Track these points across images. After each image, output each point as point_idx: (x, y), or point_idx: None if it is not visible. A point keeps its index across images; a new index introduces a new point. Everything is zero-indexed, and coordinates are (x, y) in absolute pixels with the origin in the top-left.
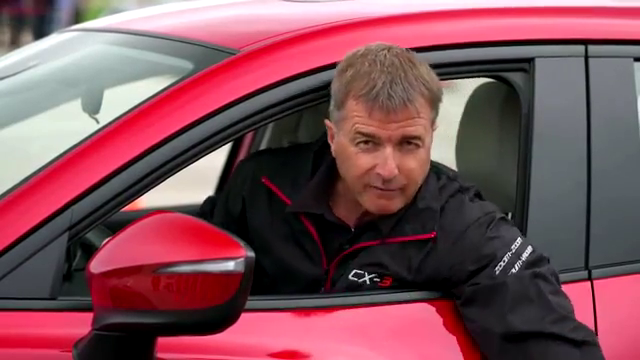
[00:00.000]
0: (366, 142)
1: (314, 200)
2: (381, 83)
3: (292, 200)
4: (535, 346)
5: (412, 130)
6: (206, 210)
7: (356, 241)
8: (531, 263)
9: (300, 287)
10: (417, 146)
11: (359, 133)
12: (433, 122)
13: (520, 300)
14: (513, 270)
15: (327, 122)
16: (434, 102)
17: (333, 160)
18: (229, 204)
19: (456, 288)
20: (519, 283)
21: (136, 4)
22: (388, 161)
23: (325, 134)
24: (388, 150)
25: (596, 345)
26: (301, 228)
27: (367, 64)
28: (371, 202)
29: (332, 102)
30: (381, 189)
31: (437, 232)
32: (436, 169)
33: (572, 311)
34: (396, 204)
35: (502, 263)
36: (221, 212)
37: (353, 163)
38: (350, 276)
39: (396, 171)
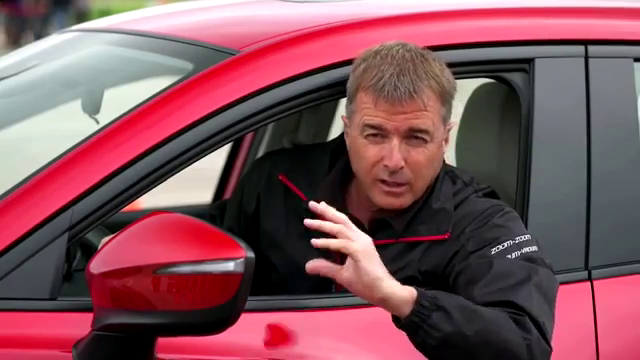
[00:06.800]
0: (374, 134)
1: (328, 197)
2: (388, 74)
3: (308, 198)
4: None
5: (419, 122)
6: (215, 213)
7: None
8: (530, 259)
9: (311, 285)
10: (425, 140)
11: (366, 125)
12: (445, 119)
13: (499, 279)
14: (509, 256)
15: (343, 117)
16: (444, 97)
17: (349, 159)
18: (243, 201)
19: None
20: (508, 267)
21: None
22: (394, 152)
23: (343, 133)
24: (394, 142)
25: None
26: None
27: (379, 58)
28: (379, 198)
29: (347, 97)
30: (388, 183)
31: (451, 233)
32: (452, 174)
33: (546, 322)
34: (404, 201)
35: (500, 247)
36: (234, 209)
37: (362, 155)
38: None
39: (402, 163)
